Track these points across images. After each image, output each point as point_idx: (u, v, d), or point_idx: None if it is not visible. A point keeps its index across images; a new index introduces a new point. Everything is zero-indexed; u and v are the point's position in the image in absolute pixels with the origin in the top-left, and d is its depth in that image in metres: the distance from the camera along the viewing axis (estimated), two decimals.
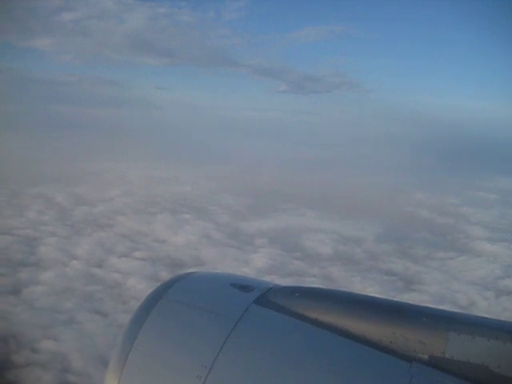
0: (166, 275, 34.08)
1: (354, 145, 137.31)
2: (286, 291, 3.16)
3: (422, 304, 3.09)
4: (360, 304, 3.02)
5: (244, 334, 2.82)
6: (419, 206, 70.75)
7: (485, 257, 49.45)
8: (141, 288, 34.24)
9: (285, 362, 2.67)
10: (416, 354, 2.66)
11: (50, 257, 41.16)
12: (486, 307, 37.05)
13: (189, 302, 3.07)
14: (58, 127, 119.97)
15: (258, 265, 42.19)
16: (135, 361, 2.80)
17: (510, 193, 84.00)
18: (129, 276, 37.64)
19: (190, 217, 56.39)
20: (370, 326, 2.81)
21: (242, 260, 43.25)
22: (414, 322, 2.78)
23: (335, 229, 55.24)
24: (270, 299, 3.08)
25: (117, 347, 2.92)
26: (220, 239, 49.15)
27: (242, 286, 3.24)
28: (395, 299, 3.24)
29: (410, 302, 3.08)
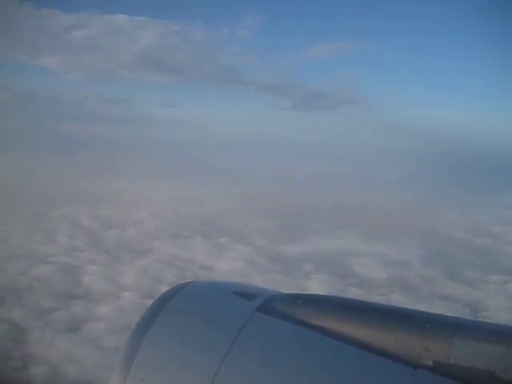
0: None
1: (364, 161, 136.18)
2: (289, 298, 3.14)
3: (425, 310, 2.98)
4: (363, 310, 2.98)
5: (248, 343, 2.79)
6: (450, 224, 69.23)
7: None
8: None
9: (289, 369, 2.66)
10: (420, 360, 2.62)
11: (98, 288, 38.73)
12: None
13: (192, 311, 3.04)
14: (68, 146, 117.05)
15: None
16: (139, 371, 2.76)
17: None
18: None
19: (226, 241, 54.12)
20: (373, 333, 2.77)
21: (297, 288, 41.02)
22: (418, 328, 2.73)
23: (378, 251, 53.33)
24: (273, 307, 3.04)
25: (120, 357, 2.88)
26: (266, 265, 47.01)
27: (245, 293, 3.18)
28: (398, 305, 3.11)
29: (413, 308, 2.99)
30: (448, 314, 2.95)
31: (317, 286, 41.85)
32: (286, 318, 2.95)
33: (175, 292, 3.24)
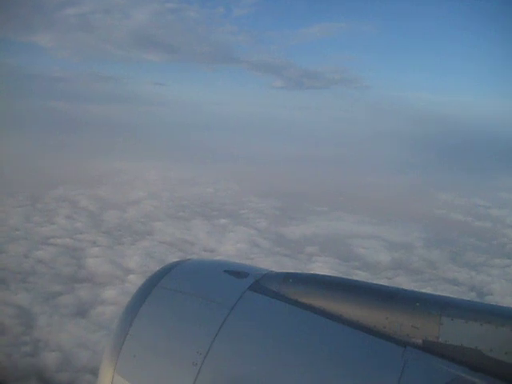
0: None
1: (357, 142, 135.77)
2: (280, 277, 3.14)
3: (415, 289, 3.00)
4: (354, 289, 3.00)
5: (239, 321, 2.80)
6: (449, 207, 69.24)
7: None
8: None
9: (280, 347, 2.66)
10: (410, 338, 2.66)
11: (102, 271, 38.13)
12: None
13: (183, 289, 3.03)
14: (59, 125, 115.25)
15: None
16: (131, 348, 2.76)
17: None
18: None
19: (226, 222, 53.61)
20: (363, 312, 2.81)
21: (302, 271, 40.72)
22: (408, 307, 2.77)
23: (379, 234, 53.17)
24: (264, 285, 3.07)
25: (112, 335, 2.90)
26: (269, 247, 46.63)
27: (237, 272, 3.20)
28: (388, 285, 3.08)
29: (403, 288, 3.00)
30: (437, 294, 2.96)
31: (321, 268, 41.59)
32: (276, 296, 2.98)
33: (167, 270, 3.21)
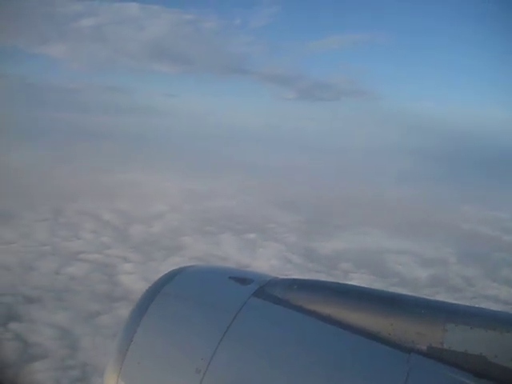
0: None
1: (369, 154, 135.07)
2: (284, 284, 3.10)
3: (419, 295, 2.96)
4: (358, 296, 2.96)
5: (243, 327, 2.76)
6: (474, 221, 68.19)
7: None
8: None
9: (284, 354, 2.64)
10: (414, 344, 2.64)
11: (138, 288, 36.57)
12: None
13: (187, 296, 3.02)
14: (73, 136, 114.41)
15: None
16: (135, 355, 2.73)
17: None
18: None
19: (255, 237, 52.47)
20: (368, 318, 2.77)
21: None
22: (413, 313, 2.74)
23: (410, 249, 52.14)
24: (268, 292, 3.01)
25: (116, 341, 2.84)
26: (302, 264, 45.56)
27: (241, 278, 3.16)
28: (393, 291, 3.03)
29: (408, 294, 2.98)
30: (442, 300, 2.91)
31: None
32: (281, 303, 2.92)
33: (171, 276, 3.15)
